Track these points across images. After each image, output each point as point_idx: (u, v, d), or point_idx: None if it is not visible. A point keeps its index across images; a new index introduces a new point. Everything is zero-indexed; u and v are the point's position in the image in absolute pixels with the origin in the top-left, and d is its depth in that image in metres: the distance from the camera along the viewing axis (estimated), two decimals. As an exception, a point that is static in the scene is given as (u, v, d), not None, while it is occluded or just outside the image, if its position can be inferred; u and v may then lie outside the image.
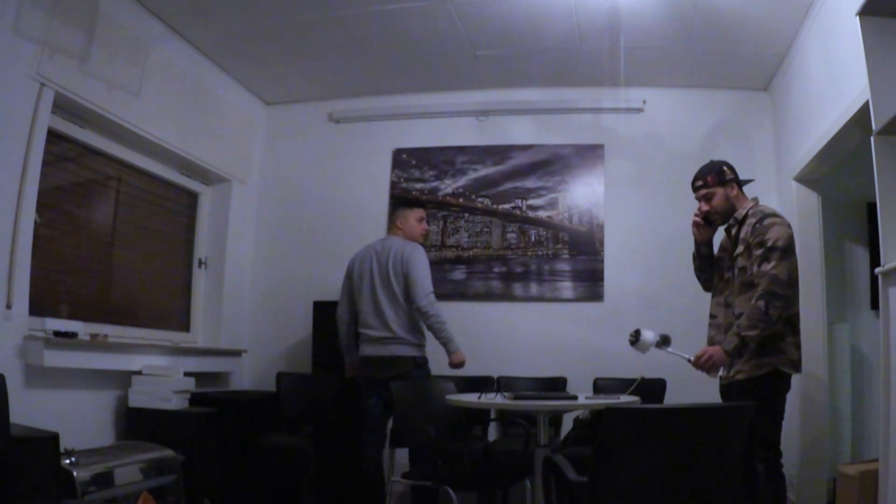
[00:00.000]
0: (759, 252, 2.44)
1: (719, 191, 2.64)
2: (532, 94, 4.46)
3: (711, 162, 2.72)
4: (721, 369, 2.54)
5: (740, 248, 2.54)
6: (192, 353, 3.86)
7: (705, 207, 2.68)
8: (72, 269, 3.28)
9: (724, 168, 2.66)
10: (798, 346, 2.50)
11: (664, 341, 2.62)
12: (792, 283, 2.46)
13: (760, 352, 2.46)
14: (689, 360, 2.53)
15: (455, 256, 4.38)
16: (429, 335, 3.35)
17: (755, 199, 2.67)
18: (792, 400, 3.64)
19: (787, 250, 2.42)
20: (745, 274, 2.51)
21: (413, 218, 3.53)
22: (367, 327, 3.36)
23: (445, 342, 3.27)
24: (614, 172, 4.32)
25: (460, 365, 3.31)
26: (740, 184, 2.68)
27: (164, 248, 4.04)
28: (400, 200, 3.83)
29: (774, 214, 2.53)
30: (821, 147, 3.20)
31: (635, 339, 2.64)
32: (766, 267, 2.40)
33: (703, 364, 2.48)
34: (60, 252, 3.20)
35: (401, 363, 3.28)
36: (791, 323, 2.49)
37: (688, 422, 1.70)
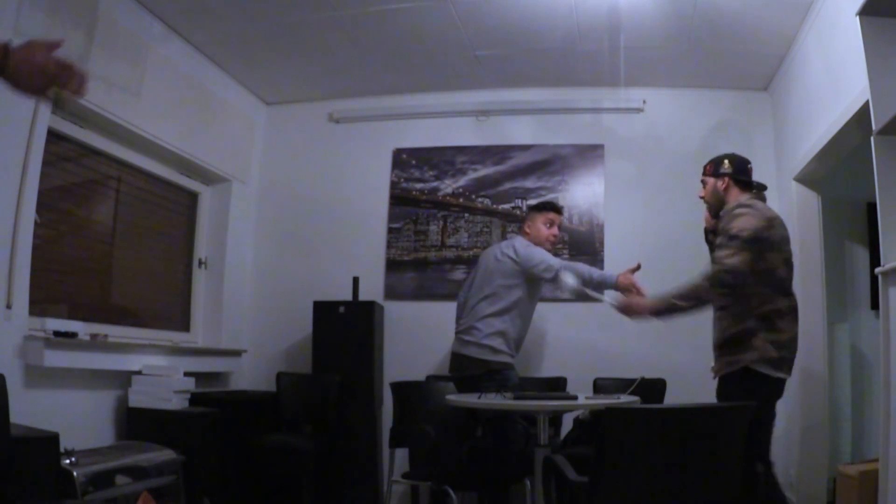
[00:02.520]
0: (720, 240, 2.44)
1: (710, 181, 2.68)
2: (532, 94, 4.46)
3: (723, 154, 2.72)
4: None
5: (718, 240, 2.54)
6: (192, 353, 3.86)
7: (700, 193, 2.74)
8: (72, 269, 3.28)
9: (725, 161, 2.67)
10: (778, 345, 2.37)
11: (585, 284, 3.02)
12: (762, 277, 2.38)
13: (731, 349, 2.45)
14: (612, 306, 2.73)
15: (455, 256, 4.38)
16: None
17: (752, 195, 2.60)
18: (792, 400, 3.66)
19: (750, 241, 2.35)
20: None
21: (540, 221, 3.44)
22: None
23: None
24: (614, 172, 4.32)
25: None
26: (741, 182, 2.63)
27: (164, 248, 4.04)
28: (534, 206, 3.63)
29: (750, 206, 2.47)
30: (821, 147, 3.20)
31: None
32: (721, 254, 2.37)
33: (624, 309, 2.66)
34: (60, 252, 3.20)
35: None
36: (767, 320, 2.39)
37: (688, 422, 1.70)
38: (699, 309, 2.46)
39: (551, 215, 3.47)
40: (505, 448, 3.09)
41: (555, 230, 3.46)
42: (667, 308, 2.47)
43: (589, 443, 3.09)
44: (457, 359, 3.29)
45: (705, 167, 2.71)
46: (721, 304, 2.48)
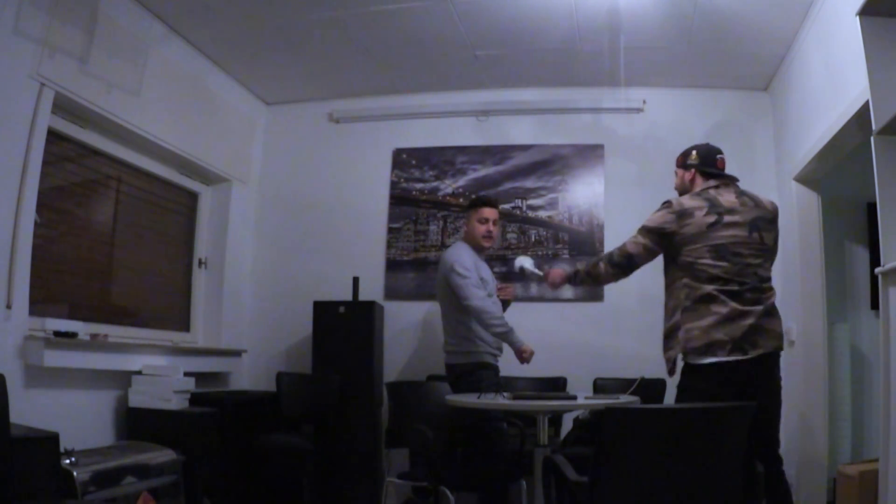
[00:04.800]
0: None
1: (679, 172, 2.76)
2: (532, 94, 4.46)
3: (692, 145, 2.76)
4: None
5: None
6: (192, 353, 3.86)
7: (674, 184, 2.81)
8: (72, 269, 3.28)
9: (693, 153, 2.71)
10: (705, 330, 2.37)
11: (521, 272, 3.24)
12: (686, 270, 2.46)
13: (666, 344, 2.54)
14: (533, 272, 3.17)
15: (455, 256, 4.38)
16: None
17: (711, 187, 2.59)
18: (792, 400, 3.66)
19: (649, 231, 2.56)
20: None
21: (474, 219, 3.37)
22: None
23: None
24: (614, 172, 4.32)
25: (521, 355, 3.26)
26: (707, 173, 2.64)
27: (164, 248, 4.04)
28: (471, 201, 3.54)
29: (671, 204, 2.55)
30: (821, 147, 3.20)
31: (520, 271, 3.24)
32: (628, 238, 2.64)
33: (545, 276, 3.04)
34: (60, 252, 3.20)
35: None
36: (693, 310, 2.42)
37: (688, 422, 1.70)
38: (598, 283, 2.87)
39: (485, 211, 3.34)
40: (492, 449, 3.11)
41: (489, 226, 3.33)
42: (574, 277, 2.84)
43: (589, 443, 3.10)
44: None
45: (677, 158, 2.77)
46: (611, 281, 2.75)
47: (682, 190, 2.72)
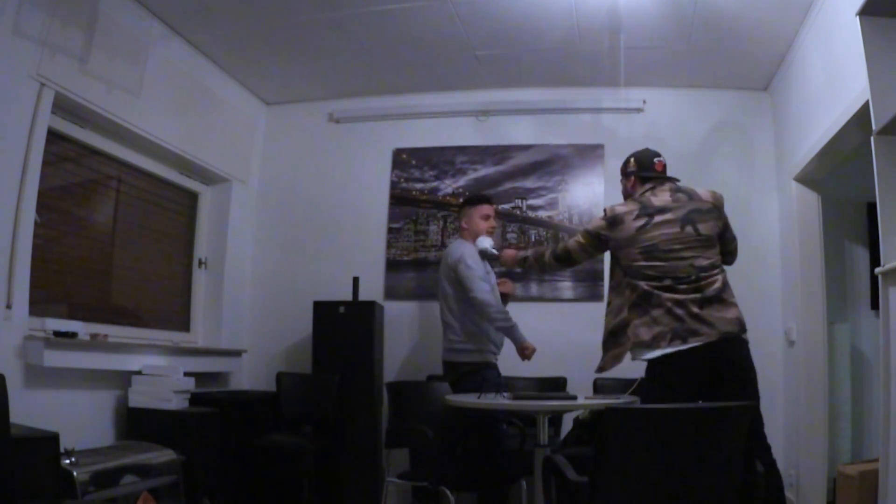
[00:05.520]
0: None
1: (622, 180, 2.89)
2: (532, 94, 4.46)
3: (631, 153, 2.87)
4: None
5: None
6: (192, 353, 3.86)
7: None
8: (72, 269, 3.28)
9: (631, 160, 2.83)
10: (648, 324, 2.49)
11: (482, 253, 3.37)
12: (628, 271, 2.60)
13: (613, 342, 2.63)
14: (496, 255, 3.35)
15: (455, 256, 4.38)
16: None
17: (643, 192, 2.69)
18: (792, 400, 3.65)
19: (589, 233, 2.78)
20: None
21: (476, 216, 3.51)
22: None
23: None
24: (614, 172, 4.27)
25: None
26: (644, 178, 2.74)
27: (164, 248, 4.04)
28: (467, 198, 3.71)
29: (605, 212, 2.73)
30: (821, 147, 3.20)
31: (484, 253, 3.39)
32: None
33: (499, 257, 3.30)
34: (60, 252, 3.20)
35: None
36: (639, 307, 2.54)
37: (688, 422, 1.70)
38: (543, 271, 3.21)
39: (486, 208, 3.52)
40: (492, 450, 3.13)
41: (491, 223, 3.54)
42: (524, 262, 3.10)
43: (589, 443, 3.09)
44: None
45: (620, 168, 2.90)
46: (555, 270, 3.10)
47: (626, 196, 2.84)
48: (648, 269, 2.55)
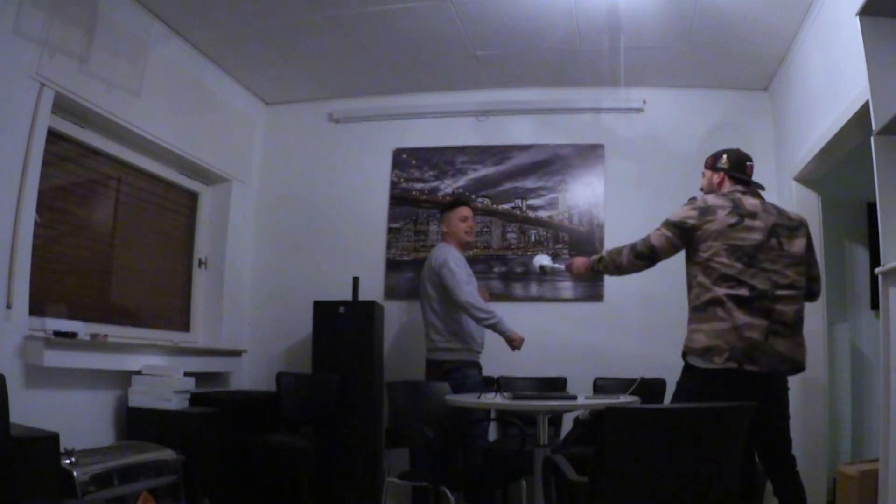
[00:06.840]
0: None
1: (707, 173, 2.76)
2: (532, 94, 4.46)
3: (724, 149, 2.76)
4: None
5: None
6: (192, 353, 3.86)
7: (701, 185, 2.81)
8: (72, 269, 3.28)
9: (724, 156, 2.71)
10: (711, 334, 2.38)
11: (542, 269, 3.22)
12: (701, 268, 2.46)
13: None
14: (561, 270, 3.13)
15: (455, 256, 4.38)
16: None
17: (737, 191, 2.59)
18: (792, 400, 3.65)
19: (672, 224, 2.55)
20: None
21: (455, 219, 3.62)
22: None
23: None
24: (614, 172, 4.32)
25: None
26: (735, 178, 2.65)
27: (164, 248, 4.04)
28: (444, 204, 3.86)
29: (695, 199, 2.60)
30: (821, 147, 3.20)
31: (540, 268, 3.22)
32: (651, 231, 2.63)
33: (567, 267, 2.95)
34: (60, 252, 3.20)
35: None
36: (703, 310, 2.44)
37: (688, 422, 1.70)
38: (620, 272, 2.69)
39: (463, 210, 3.66)
40: (472, 448, 3.22)
41: (470, 223, 3.66)
42: (598, 263, 2.77)
43: (589, 443, 3.09)
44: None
45: (707, 159, 2.77)
46: (633, 271, 2.67)
47: (709, 191, 2.71)
48: (729, 269, 2.41)
